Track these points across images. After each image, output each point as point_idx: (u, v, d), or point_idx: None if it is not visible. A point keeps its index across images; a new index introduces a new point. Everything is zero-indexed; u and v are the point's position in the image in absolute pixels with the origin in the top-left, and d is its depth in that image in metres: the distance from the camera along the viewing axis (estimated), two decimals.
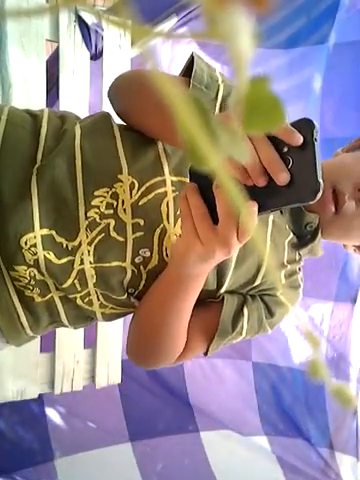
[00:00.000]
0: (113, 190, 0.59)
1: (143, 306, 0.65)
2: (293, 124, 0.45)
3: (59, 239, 0.58)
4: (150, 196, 0.60)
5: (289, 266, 0.70)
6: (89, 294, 0.62)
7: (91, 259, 0.60)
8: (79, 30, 1.27)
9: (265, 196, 0.46)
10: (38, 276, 0.60)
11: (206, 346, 0.70)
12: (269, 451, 1.68)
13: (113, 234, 0.59)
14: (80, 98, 1.30)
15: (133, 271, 0.62)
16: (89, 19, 1.26)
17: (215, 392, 1.68)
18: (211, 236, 0.50)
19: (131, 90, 0.67)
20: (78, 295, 0.62)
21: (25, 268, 0.58)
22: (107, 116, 0.68)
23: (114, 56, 1.33)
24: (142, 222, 0.60)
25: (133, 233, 0.60)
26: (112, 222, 0.59)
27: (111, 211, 0.59)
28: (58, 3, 0.17)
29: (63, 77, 1.25)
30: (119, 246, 0.60)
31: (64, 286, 0.60)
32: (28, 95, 1.19)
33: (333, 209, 0.66)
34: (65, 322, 0.66)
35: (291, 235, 0.70)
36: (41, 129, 0.62)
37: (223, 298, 0.68)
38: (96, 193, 0.59)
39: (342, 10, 1.52)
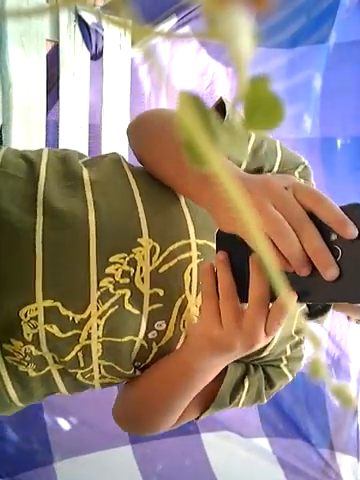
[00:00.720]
0: (131, 256, 0.52)
1: (148, 381, 0.59)
2: (344, 209, 0.39)
3: (65, 312, 0.50)
4: (172, 263, 0.53)
5: (297, 337, 0.67)
6: (92, 370, 0.56)
7: (99, 334, 0.52)
8: (79, 30, 1.27)
9: (306, 286, 0.40)
10: (35, 352, 0.52)
11: (199, 413, 0.65)
12: (270, 452, 1.68)
13: (128, 306, 0.52)
14: (80, 98, 1.30)
15: (143, 345, 0.55)
16: (89, 19, 1.26)
17: None
18: (235, 325, 0.45)
19: (151, 134, 0.60)
20: (79, 371, 0.55)
21: (21, 344, 0.51)
22: (119, 161, 0.61)
23: (114, 56, 1.33)
24: (162, 292, 0.53)
25: (150, 305, 0.53)
26: (128, 293, 0.52)
27: (127, 280, 0.52)
28: (58, 3, 0.17)
29: (63, 77, 1.26)
30: (133, 319, 0.53)
31: (65, 359, 0.53)
32: (28, 95, 1.19)
33: None
34: (63, 392, 0.59)
35: (304, 306, 0.67)
36: (39, 178, 0.54)
37: (226, 367, 0.62)
38: (111, 259, 0.51)
39: (342, 10, 1.52)
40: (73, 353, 0.53)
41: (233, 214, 0.43)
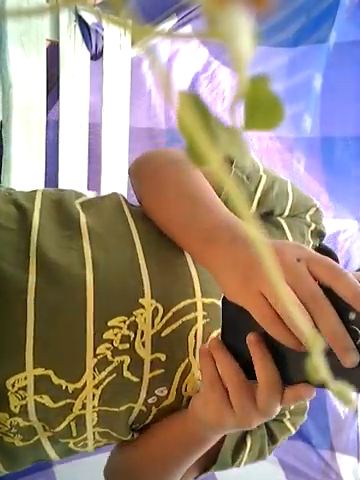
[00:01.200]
0: (132, 319, 0.47)
1: (146, 447, 0.55)
2: None
3: (57, 381, 0.46)
4: (176, 325, 0.49)
5: None
6: (85, 439, 0.51)
7: (95, 403, 0.48)
8: (79, 30, 1.27)
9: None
10: (22, 423, 0.47)
11: (198, 472, 0.61)
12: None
13: (127, 374, 0.48)
14: (80, 98, 1.30)
15: (141, 410, 0.51)
16: (89, 19, 1.26)
17: None
18: (250, 408, 0.41)
19: (153, 179, 0.56)
20: (72, 440, 0.51)
21: (7, 417, 0.46)
22: (120, 204, 0.56)
23: (114, 56, 1.33)
24: (164, 357, 0.49)
25: (151, 371, 0.49)
26: (127, 360, 0.47)
27: (127, 345, 0.47)
28: (58, 3, 0.17)
29: (63, 77, 1.26)
30: (132, 388, 0.49)
31: (56, 430, 0.49)
32: (28, 95, 1.19)
33: None
34: (53, 458, 0.55)
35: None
36: (32, 227, 0.49)
37: None
38: (110, 324, 0.47)
39: (342, 10, 1.53)
40: (65, 423, 0.48)
41: (242, 283, 0.39)
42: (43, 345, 0.45)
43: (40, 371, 0.45)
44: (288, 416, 0.65)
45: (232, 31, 0.14)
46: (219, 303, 0.48)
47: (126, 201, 0.58)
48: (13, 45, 1.15)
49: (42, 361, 0.45)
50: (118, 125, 1.37)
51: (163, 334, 0.49)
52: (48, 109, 1.25)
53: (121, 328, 0.47)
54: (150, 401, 0.51)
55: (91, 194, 1.12)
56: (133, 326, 0.47)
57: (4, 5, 1.13)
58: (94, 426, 0.50)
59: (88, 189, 1.34)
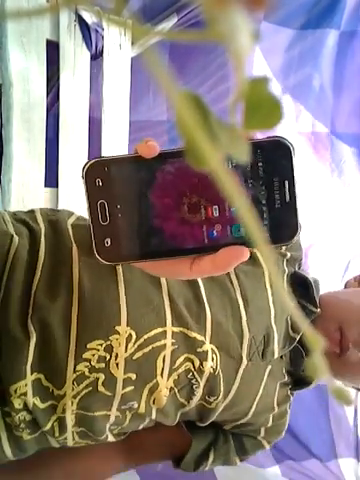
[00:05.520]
0: (108, 343, 0.55)
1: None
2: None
3: (46, 383, 0.54)
4: (147, 349, 0.56)
5: (277, 409, 0.68)
6: (65, 439, 0.59)
7: (74, 408, 0.56)
8: (79, 30, 1.27)
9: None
10: (28, 417, 0.56)
11: (158, 460, 0.72)
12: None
13: (101, 389, 0.55)
14: (80, 98, 1.30)
15: (117, 416, 0.59)
16: (89, 19, 1.26)
17: None
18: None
19: None
20: (54, 439, 0.59)
21: (14, 414, 0.55)
22: None
23: (114, 56, 1.33)
24: (134, 376, 0.56)
25: (123, 388, 0.56)
26: (102, 377, 0.55)
27: (102, 365, 0.55)
28: (58, 3, 0.17)
29: (63, 77, 1.25)
30: (106, 400, 0.56)
31: (44, 429, 0.57)
32: (28, 95, 1.19)
33: (337, 351, 0.66)
34: (55, 446, 0.62)
35: (286, 378, 0.69)
36: (40, 248, 0.57)
37: (192, 434, 0.67)
38: (89, 346, 0.54)
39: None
40: (49, 424, 0.56)
41: None
42: (38, 356, 0.53)
43: (35, 376, 0.53)
44: (263, 434, 0.69)
45: (232, 31, 0.14)
46: (188, 332, 0.57)
47: None
48: (13, 45, 1.15)
49: (36, 367, 0.53)
50: (118, 125, 1.37)
51: (135, 357, 0.55)
52: (48, 109, 1.25)
53: (98, 350, 0.54)
54: (123, 408, 0.58)
55: None
56: (109, 349, 0.55)
57: (4, 5, 1.13)
58: (73, 426, 0.57)
59: None
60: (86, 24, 1.27)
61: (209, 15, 0.14)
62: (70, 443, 0.60)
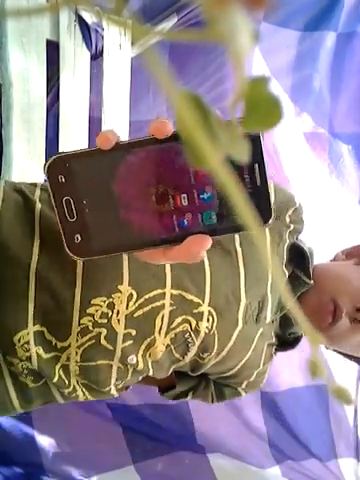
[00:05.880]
0: (110, 300, 0.58)
1: None
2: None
3: (49, 337, 0.58)
4: (146, 309, 0.59)
5: (262, 366, 0.72)
6: (75, 390, 0.63)
7: (77, 358, 0.59)
8: (79, 30, 1.27)
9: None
10: (31, 367, 0.59)
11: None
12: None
13: (103, 342, 0.59)
14: (80, 98, 1.30)
15: (120, 368, 0.62)
16: (89, 19, 1.26)
17: (222, 419, 1.64)
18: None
19: None
20: (65, 390, 0.62)
21: (18, 362, 0.58)
22: None
23: (114, 56, 1.33)
24: (134, 332, 0.60)
25: (123, 342, 0.60)
26: (104, 331, 0.59)
27: (105, 320, 0.58)
28: (58, 3, 0.17)
29: (63, 77, 1.25)
30: (107, 352, 0.60)
31: (53, 381, 0.60)
32: (28, 95, 1.19)
33: (330, 320, 0.69)
34: (59, 401, 0.66)
35: (273, 339, 0.73)
36: (35, 214, 0.59)
37: (175, 380, 0.73)
38: (93, 302, 0.58)
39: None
40: (56, 374, 0.60)
41: None
42: (40, 310, 0.57)
43: (37, 327, 0.57)
44: (244, 386, 0.74)
45: (232, 31, 0.14)
46: (187, 295, 0.60)
47: None
48: (13, 45, 1.15)
49: (38, 320, 0.57)
50: (118, 125, 1.37)
51: (135, 315, 0.59)
52: (48, 109, 1.25)
53: (101, 306, 0.58)
54: (124, 362, 0.61)
55: None
56: (111, 305, 0.58)
57: (4, 5, 1.13)
58: (76, 376, 0.61)
59: None
60: (86, 24, 1.27)
61: (209, 15, 0.14)
62: (81, 398, 0.64)
